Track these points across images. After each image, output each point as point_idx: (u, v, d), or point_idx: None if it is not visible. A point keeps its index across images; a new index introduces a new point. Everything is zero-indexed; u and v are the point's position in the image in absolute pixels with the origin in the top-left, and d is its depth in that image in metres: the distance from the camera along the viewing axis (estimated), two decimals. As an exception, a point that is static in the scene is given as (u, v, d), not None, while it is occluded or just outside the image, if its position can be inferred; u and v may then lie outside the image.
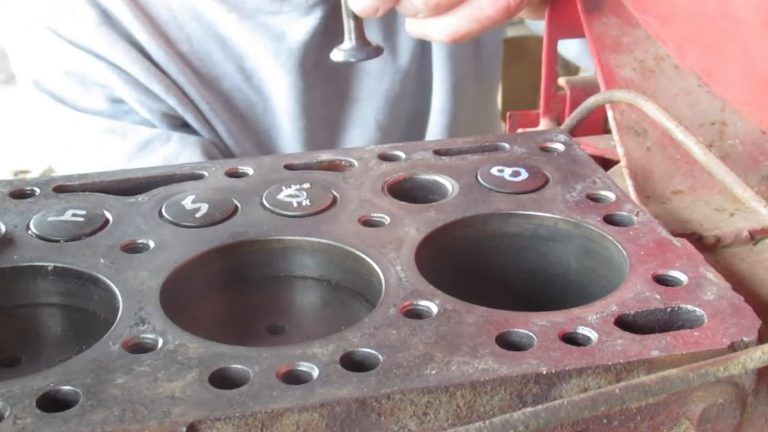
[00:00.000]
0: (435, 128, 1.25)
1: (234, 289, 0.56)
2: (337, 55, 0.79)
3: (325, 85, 1.17)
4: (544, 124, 0.86)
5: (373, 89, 1.21)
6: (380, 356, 0.44)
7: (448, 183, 0.62)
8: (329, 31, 1.12)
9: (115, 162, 1.12)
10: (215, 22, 1.11)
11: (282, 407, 0.41)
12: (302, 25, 1.11)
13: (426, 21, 0.81)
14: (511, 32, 2.21)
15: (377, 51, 0.80)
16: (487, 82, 1.33)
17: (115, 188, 0.62)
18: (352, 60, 0.80)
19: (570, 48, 1.17)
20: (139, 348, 0.45)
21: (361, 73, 1.20)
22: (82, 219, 0.57)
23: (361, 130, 1.22)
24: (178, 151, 1.11)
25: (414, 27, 0.83)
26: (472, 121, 1.31)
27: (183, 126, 1.14)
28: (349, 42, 0.79)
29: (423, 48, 1.21)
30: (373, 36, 1.17)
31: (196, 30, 1.11)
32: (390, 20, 1.18)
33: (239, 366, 0.43)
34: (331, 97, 1.19)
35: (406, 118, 1.25)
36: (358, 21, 0.78)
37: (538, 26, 1.30)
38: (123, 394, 0.41)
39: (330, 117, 1.20)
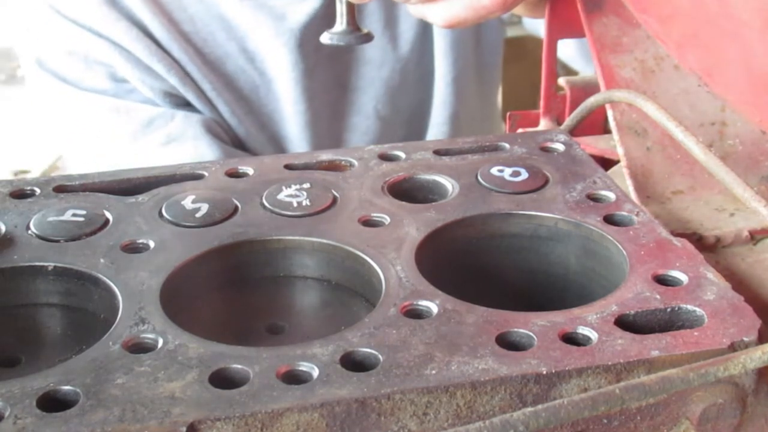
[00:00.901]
0: (437, 121, 1.26)
1: (234, 289, 0.56)
2: (325, 37, 0.80)
3: (325, 70, 1.18)
4: (544, 124, 0.86)
5: (373, 77, 1.21)
6: (380, 356, 0.44)
7: (448, 183, 0.62)
8: (330, 16, 1.13)
9: (120, 140, 1.13)
10: (217, 2, 1.12)
11: (282, 407, 0.41)
12: (303, 8, 1.12)
13: (423, 5, 0.82)
14: (511, 32, 2.21)
15: (366, 38, 0.81)
16: (489, 78, 1.34)
17: (115, 188, 0.62)
18: (341, 44, 0.80)
19: (565, 50, 1.17)
20: (139, 348, 0.45)
21: (360, 61, 1.20)
22: (82, 219, 0.57)
23: (361, 118, 1.23)
24: (182, 129, 1.11)
25: (414, 8, 0.84)
26: (474, 116, 1.31)
27: (185, 105, 1.15)
28: (339, 25, 0.79)
29: (424, 39, 1.22)
30: (374, 25, 1.18)
31: (199, 11, 1.12)
32: (390, 9, 1.19)
33: (239, 366, 0.43)
34: (331, 83, 1.20)
35: (408, 109, 1.25)
36: (350, 6, 0.79)
37: (535, 26, 1.30)
38: (123, 394, 0.41)
39: (331, 103, 1.21)
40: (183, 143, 1.11)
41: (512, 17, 1.40)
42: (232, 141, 1.17)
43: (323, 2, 1.12)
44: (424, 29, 1.21)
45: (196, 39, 1.13)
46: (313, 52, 1.15)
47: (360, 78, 1.21)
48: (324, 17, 1.12)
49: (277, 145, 1.20)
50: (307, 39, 1.13)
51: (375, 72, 1.21)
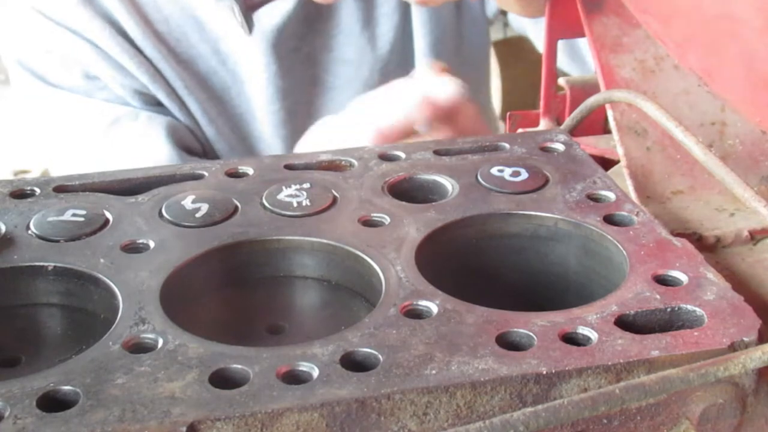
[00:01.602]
0: None
1: (234, 289, 0.56)
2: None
3: (301, 70, 1.18)
4: (544, 124, 0.86)
5: (351, 77, 1.21)
6: (380, 356, 0.44)
7: (448, 183, 0.62)
8: (306, 16, 1.14)
9: (88, 137, 1.15)
10: (193, 5, 1.13)
11: (282, 407, 0.41)
12: (278, 9, 1.13)
13: None
14: (511, 32, 2.21)
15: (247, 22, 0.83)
16: (473, 79, 1.34)
17: (115, 188, 0.62)
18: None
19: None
20: (139, 348, 0.45)
21: (339, 61, 1.21)
22: (82, 219, 0.57)
23: None
24: (143, 130, 1.13)
25: None
26: None
27: (156, 105, 1.16)
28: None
29: (404, 40, 1.22)
30: (353, 25, 1.19)
31: (174, 12, 1.14)
32: (370, 11, 1.19)
33: (239, 366, 0.43)
34: (307, 82, 1.20)
35: None
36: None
37: (522, 25, 1.30)
38: (123, 394, 0.41)
39: (306, 103, 1.21)
40: (145, 144, 1.12)
41: (497, 15, 1.40)
42: (200, 141, 1.18)
43: (298, 3, 1.13)
44: (404, 30, 1.22)
45: (170, 39, 1.14)
46: (288, 54, 1.16)
47: (338, 77, 1.22)
48: (299, 19, 1.13)
49: (249, 144, 1.21)
50: (281, 40, 1.14)
51: (353, 72, 1.21)
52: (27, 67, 1.16)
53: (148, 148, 1.11)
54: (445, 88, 0.92)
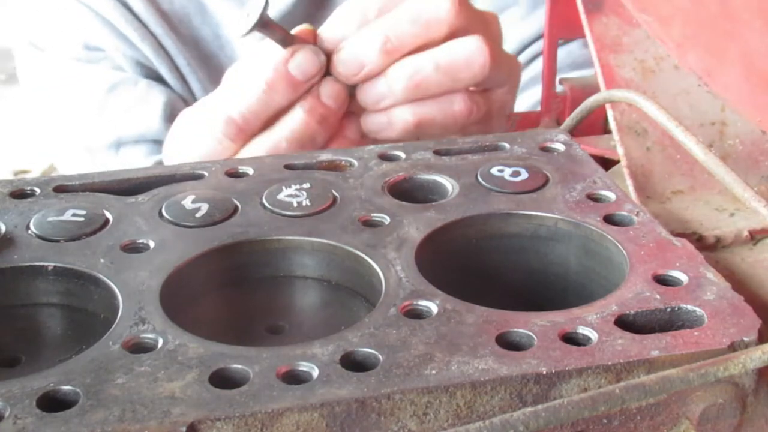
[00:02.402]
0: None
1: (234, 289, 0.56)
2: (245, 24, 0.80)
3: None
4: (544, 124, 0.86)
5: None
6: (380, 356, 0.44)
7: (448, 183, 0.62)
8: (301, 10, 1.14)
9: (86, 103, 1.15)
10: None
11: (282, 407, 0.41)
12: (272, 3, 1.13)
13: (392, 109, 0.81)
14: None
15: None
16: None
17: (115, 188, 0.62)
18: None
19: None
20: (139, 348, 0.45)
21: None
22: (82, 219, 0.57)
23: None
24: (142, 96, 1.13)
25: (373, 121, 0.82)
26: None
27: (157, 79, 1.16)
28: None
29: None
30: None
31: None
32: None
33: (239, 366, 0.43)
34: None
35: None
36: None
37: None
38: (123, 394, 0.41)
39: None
40: (141, 111, 1.13)
41: None
42: None
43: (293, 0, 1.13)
44: None
45: (173, 18, 1.16)
46: None
47: None
48: (294, 13, 1.13)
49: None
50: None
51: None
52: (28, 40, 1.17)
53: (143, 115, 1.12)
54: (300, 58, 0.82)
